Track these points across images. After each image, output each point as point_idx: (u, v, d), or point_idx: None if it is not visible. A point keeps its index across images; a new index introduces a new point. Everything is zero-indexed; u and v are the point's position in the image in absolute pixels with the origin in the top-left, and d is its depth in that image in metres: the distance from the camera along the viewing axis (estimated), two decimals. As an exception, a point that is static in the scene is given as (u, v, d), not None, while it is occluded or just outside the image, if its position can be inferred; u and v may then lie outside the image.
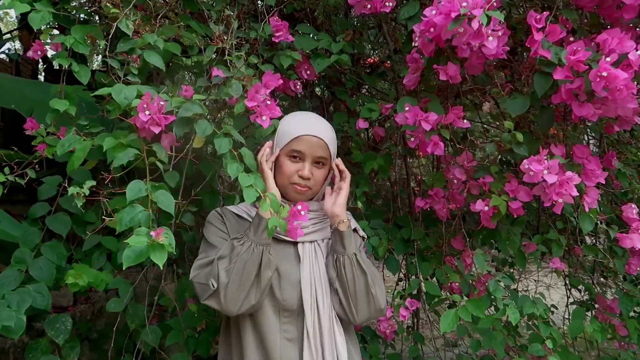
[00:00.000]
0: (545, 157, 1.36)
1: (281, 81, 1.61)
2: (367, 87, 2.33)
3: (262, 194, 1.24)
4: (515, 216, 1.52)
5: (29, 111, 2.07)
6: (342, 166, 1.44)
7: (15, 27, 5.49)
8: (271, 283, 1.29)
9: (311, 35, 1.97)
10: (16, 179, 1.52)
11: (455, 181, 1.64)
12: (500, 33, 1.33)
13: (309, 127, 1.40)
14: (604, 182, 1.47)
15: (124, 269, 1.09)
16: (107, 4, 1.46)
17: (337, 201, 1.38)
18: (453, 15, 1.33)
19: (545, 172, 1.35)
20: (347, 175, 1.43)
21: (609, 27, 1.61)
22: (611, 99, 1.31)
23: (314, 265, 1.36)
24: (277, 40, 1.79)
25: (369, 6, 1.65)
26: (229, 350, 1.38)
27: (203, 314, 1.93)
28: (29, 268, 1.66)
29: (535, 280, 2.62)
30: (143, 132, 1.35)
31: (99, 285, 1.80)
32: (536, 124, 1.51)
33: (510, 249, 1.80)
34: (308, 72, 1.90)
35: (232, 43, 1.59)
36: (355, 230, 1.47)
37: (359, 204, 1.95)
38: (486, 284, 1.61)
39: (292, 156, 1.38)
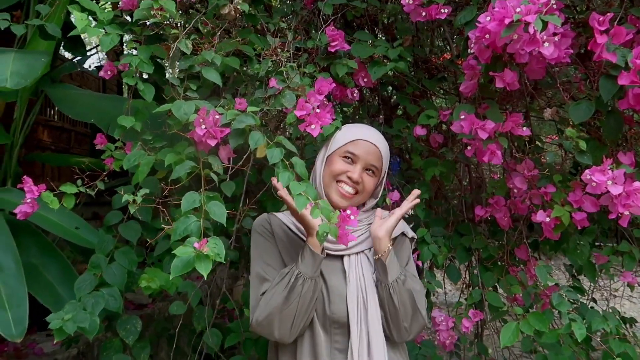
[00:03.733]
0: (609, 167, 1.29)
1: (334, 85, 1.63)
2: (430, 92, 2.29)
3: (312, 202, 1.25)
4: (579, 227, 1.45)
5: (106, 125, 2.22)
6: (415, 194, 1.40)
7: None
8: (321, 297, 1.31)
9: (370, 42, 1.97)
10: (87, 190, 1.63)
11: (515, 190, 1.58)
12: (557, 38, 1.27)
13: (367, 134, 1.42)
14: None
15: (171, 278, 1.15)
16: (169, 26, 1.54)
17: (384, 225, 1.36)
18: (507, 21, 1.29)
19: (610, 182, 1.27)
20: (414, 198, 1.39)
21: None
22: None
23: (360, 279, 1.36)
24: (333, 50, 1.80)
25: (423, 13, 1.63)
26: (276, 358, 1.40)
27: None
28: (103, 273, 1.78)
29: (614, 291, 2.46)
30: (200, 145, 1.40)
31: (169, 288, 1.90)
32: (603, 130, 1.42)
33: (579, 260, 1.71)
34: (365, 79, 1.89)
35: (286, 55, 1.62)
36: (404, 234, 1.46)
37: (419, 212, 1.93)
38: (550, 297, 1.54)
39: (345, 157, 1.40)
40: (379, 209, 1.46)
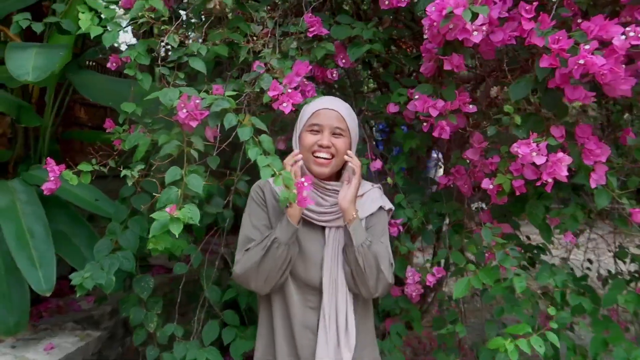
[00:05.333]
0: (535, 140, 1.46)
1: (310, 67, 1.81)
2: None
3: (277, 172, 1.46)
4: (517, 193, 1.62)
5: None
6: (353, 158, 1.52)
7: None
8: (296, 263, 1.52)
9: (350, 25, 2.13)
10: (100, 167, 1.90)
11: (468, 161, 1.76)
12: (484, 28, 1.43)
13: (325, 102, 1.58)
14: (604, 159, 1.52)
15: (149, 236, 1.41)
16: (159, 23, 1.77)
17: (346, 196, 1.49)
18: (443, 12, 1.46)
19: (534, 154, 1.44)
20: (357, 167, 1.51)
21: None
22: (602, 82, 1.37)
23: (337, 249, 1.53)
24: (311, 35, 1.98)
25: (387, 2, 1.79)
26: (262, 314, 1.63)
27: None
28: (118, 238, 2.07)
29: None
30: (184, 126, 1.64)
31: (175, 250, 2.17)
32: (541, 105, 1.58)
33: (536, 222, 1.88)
34: (344, 60, 2.07)
35: (262, 42, 1.82)
36: (381, 207, 1.63)
37: (398, 179, 2.13)
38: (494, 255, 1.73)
39: (311, 130, 1.54)
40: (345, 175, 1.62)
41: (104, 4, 1.94)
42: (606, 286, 2.44)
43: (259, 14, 2.05)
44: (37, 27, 2.09)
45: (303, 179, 1.40)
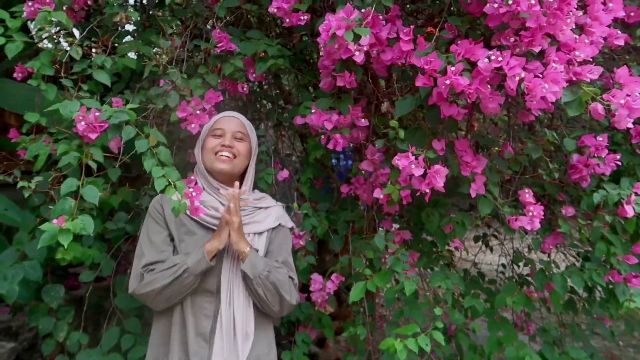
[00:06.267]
0: (414, 153, 1.57)
1: (221, 98, 1.90)
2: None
3: (172, 183, 1.51)
4: (404, 202, 1.73)
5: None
6: (234, 204, 1.54)
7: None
8: None
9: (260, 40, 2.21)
10: (5, 177, 1.90)
11: (364, 172, 1.87)
12: (365, 48, 1.53)
13: (228, 112, 1.75)
14: (479, 171, 1.65)
15: (38, 247, 1.44)
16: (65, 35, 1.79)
17: (234, 239, 1.54)
18: (329, 33, 1.55)
19: (413, 166, 1.56)
20: (231, 197, 1.54)
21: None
22: (470, 101, 1.50)
23: (235, 255, 1.58)
24: (218, 50, 2.04)
25: (287, 20, 1.88)
26: (159, 322, 1.65)
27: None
28: (25, 248, 2.06)
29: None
30: (84, 138, 1.67)
31: (86, 259, 2.18)
32: (426, 120, 1.70)
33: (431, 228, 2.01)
34: (254, 74, 2.15)
35: (166, 59, 1.88)
36: (281, 224, 1.71)
37: (305, 189, 2.22)
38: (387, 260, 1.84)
39: (214, 135, 1.68)
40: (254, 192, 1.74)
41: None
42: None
43: (169, 29, 2.09)
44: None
45: (191, 189, 1.47)
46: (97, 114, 1.65)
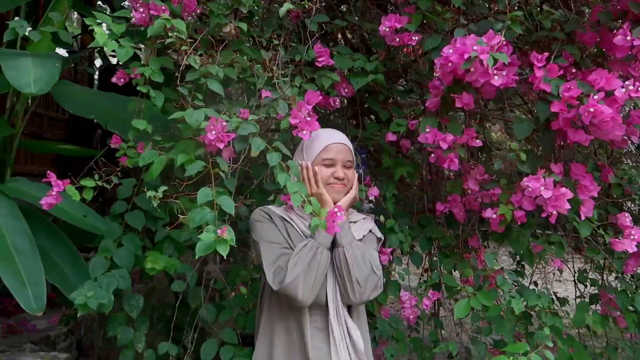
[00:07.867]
0: (542, 176, 1.62)
1: (321, 98, 1.90)
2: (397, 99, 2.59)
3: (306, 199, 1.52)
4: (519, 223, 1.78)
5: (105, 122, 2.43)
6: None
7: (79, 33, 5.89)
8: None
9: (349, 56, 2.24)
10: (103, 184, 1.86)
11: (469, 191, 1.91)
12: (504, 73, 1.58)
13: (334, 137, 1.73)
14: (596, 195, 1.71)
15: (196, 258, 1.42)
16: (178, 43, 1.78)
17: (343, 199, 1.66)
18: (465, 56, 1.59)
19: (542, 188, 1.60)
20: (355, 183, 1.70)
21: (610, 58, 1.83)
22: (602, 128, 1.56)
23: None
24: (320, 65, 2.06)
25: (397, 39, 1.91)
26: (262, 338, 1.67)
27: (251, 297, 2.25)
28: (113, 256, 2.02)
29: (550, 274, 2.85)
30: (209, 147, 1.66)
31: (170, 269, 2.15)
32: (539, 144, 1.75)
33: (520, 249, 2.06)
34: (346, 90, 2.17)
35: (278, 70, 1.88)
36: (371, 231, 1.75)
37: (389, 205, 2.24)
38: (495, 279, 1.88)
39: (325, 164, 1.68)
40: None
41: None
42: (563, 307, 2.65)
43: (266, 40, 2.10)
44: (34, 36, 2.03)
45: (336, 209, 1.48)
46: (224, 124, 1.64)
